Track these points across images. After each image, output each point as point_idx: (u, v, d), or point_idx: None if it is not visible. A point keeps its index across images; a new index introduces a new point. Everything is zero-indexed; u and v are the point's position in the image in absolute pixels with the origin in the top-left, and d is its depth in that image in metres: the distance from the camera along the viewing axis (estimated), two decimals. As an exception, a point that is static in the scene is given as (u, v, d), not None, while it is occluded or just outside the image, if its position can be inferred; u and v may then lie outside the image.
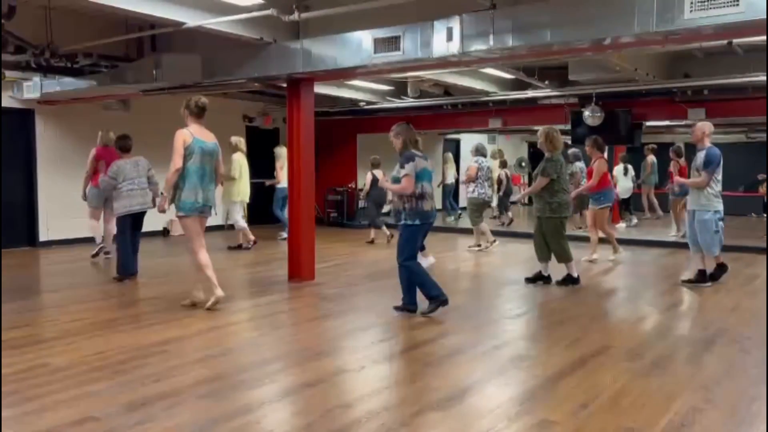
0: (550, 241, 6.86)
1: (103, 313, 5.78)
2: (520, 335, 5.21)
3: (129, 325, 5.22)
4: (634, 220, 13.06)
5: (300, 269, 7.25)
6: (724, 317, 5.61)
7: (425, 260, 7.90)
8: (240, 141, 9.83)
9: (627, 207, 13.40)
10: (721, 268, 6.95)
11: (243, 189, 9.70)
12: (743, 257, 9.13)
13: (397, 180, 5.44)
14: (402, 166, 5.38)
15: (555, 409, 3.44)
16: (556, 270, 7.01)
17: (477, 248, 9.73)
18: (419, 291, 5.52)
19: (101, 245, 8.62)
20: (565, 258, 6.88)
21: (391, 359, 4.48)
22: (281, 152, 10.56)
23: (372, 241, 10.59)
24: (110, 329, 5.07)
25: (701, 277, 6.91)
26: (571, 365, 4.17)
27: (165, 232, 11.63)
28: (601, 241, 8.62)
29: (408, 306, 5.55)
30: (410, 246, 5.48)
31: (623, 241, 9.37)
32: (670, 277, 7.55)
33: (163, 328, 5.08)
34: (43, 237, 10.03)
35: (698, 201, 6.67)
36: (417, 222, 5.41)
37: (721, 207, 6.64)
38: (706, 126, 6.75)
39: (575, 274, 6.90)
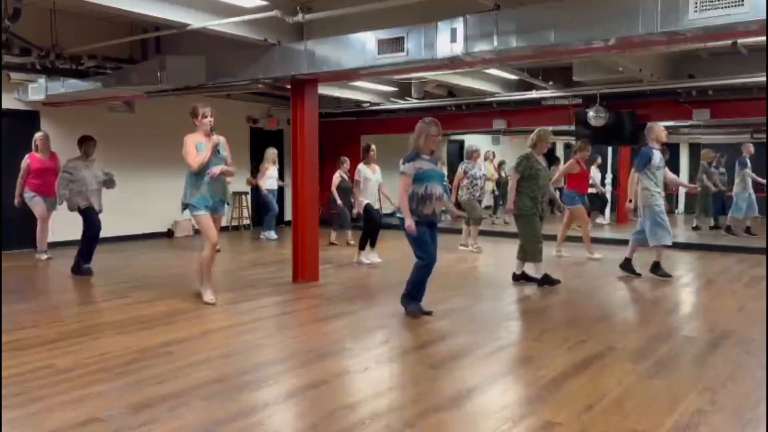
0: None
1: (108, 314, 5.80)
2: (523, 336, 5.20)
3: (133, 326, 5.23)
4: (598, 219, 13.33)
5: (304, 270, 7.25)
6: (729, 319, 5.59)
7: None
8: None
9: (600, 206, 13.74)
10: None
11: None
12: (749, 258, 9.12)
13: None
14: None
15: (559, 410, 3.43)
16: (556, 269, 6.97)
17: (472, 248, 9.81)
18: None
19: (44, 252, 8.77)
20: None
21: (395, 360, 4.48)
22: (267, 154, 11.10)
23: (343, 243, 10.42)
24: (114, 330, 5.09)
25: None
26: (576, 367, 4.17)
27: (169, 234, 11.65)
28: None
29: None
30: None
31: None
32: (674, 279, 7.51)
33: (168, 330, 5.10)
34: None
35: None
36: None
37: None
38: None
39: (525, 273, 7.13)
